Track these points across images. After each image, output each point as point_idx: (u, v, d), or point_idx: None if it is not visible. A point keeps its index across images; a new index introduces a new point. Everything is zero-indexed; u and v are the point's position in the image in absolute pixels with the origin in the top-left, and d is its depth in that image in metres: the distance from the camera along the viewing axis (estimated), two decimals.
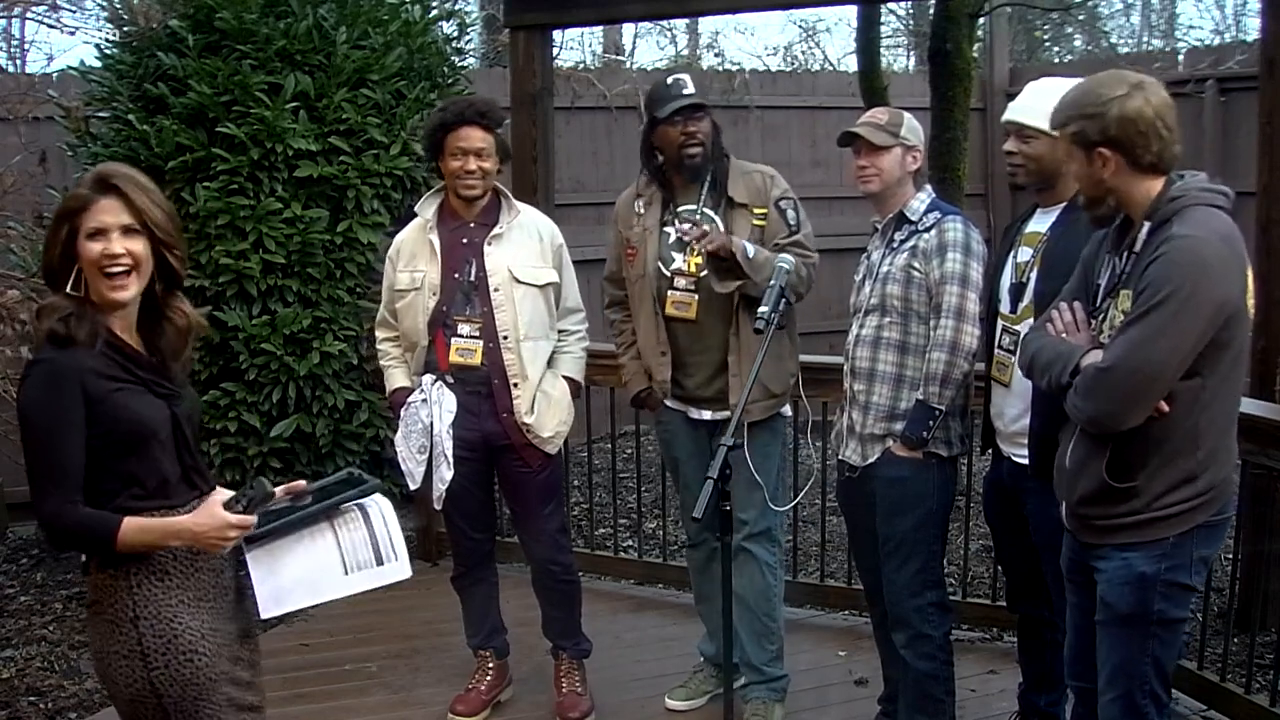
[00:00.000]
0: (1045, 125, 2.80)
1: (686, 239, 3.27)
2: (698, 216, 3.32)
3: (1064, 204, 2.86)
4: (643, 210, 3.44)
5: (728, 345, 3.31)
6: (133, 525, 2.10)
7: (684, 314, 3.34)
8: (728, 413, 3.31)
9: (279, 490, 2.34)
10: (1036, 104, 2.85)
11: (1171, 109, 2.32)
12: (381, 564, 2.27)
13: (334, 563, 2.24)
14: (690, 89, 3.28)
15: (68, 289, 2.14)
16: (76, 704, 3.88)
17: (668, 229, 3.38)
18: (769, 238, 3.28)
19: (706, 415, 3.41)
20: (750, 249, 3.18)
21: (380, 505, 2.32)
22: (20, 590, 4.89)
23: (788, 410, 3.48)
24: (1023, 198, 3.11)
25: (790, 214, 3.32)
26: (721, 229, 3.30)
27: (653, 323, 3.39)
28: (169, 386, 2.22)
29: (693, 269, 3.31)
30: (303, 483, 2.35)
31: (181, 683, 2.17)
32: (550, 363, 3.47)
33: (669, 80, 3.35)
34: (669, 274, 3.36)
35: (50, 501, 2.09)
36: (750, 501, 3.31)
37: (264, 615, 2.25)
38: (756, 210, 3.31)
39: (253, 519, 2.16)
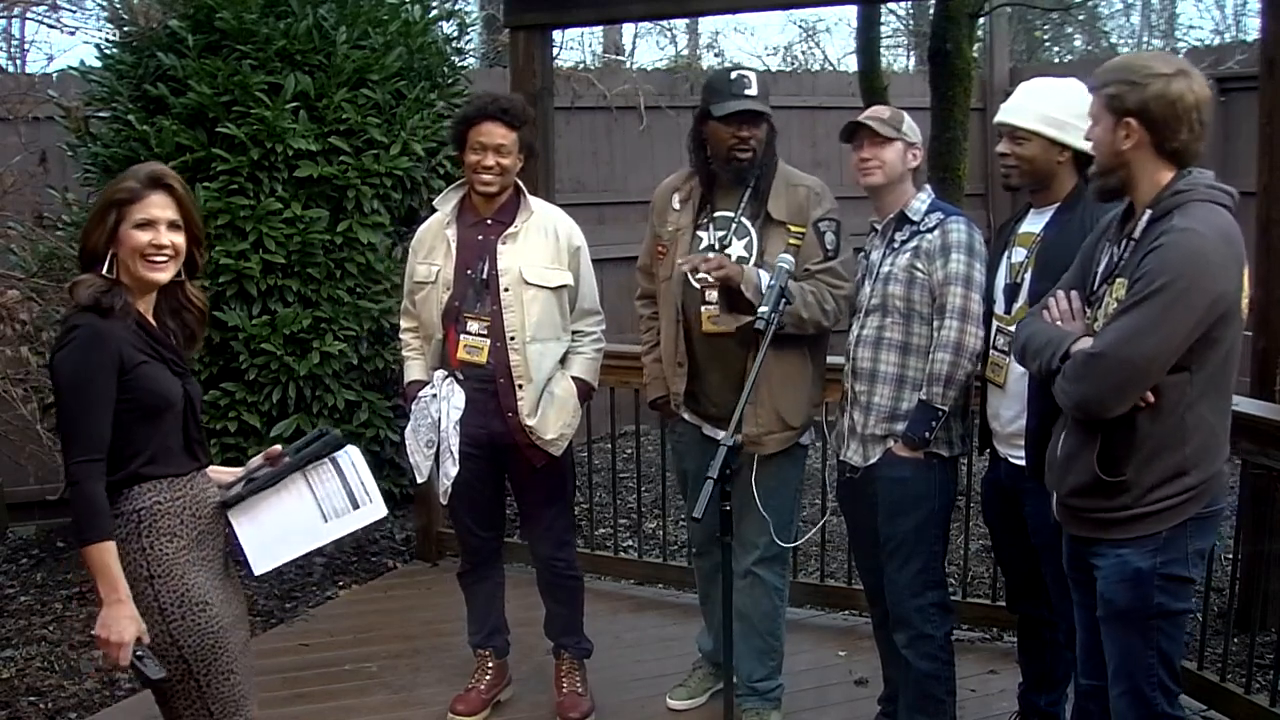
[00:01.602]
0: (1037, 126, 2.81)
1: (697, 276, 3.13)
2: (714, 247, 3.20)
3: (1058, 204, 2.85)
4: (679, 207, 3.32)
5: (747, 368, 3.13)
6: (109, 553, 2.24)
7: (721, 327, 3.18)
8: (741, 436, 3.18)
9: (258, 458, 2.52)
10: (1028, 105, 2.85)
11: (1210, 105, 2.31)
12: (358, 508, 2.45)
13: (313, 513, 2.44)
14: (753, 90, 3.11)
15: (104, 271, 2.31)
16: (76, 704, 3.88)
17: (700, 233, 3.27)
18: (803, 260, 3.14)
19: (721, 435, 3.30)
20: (765, 282, 3.03)
21: (350, 455, 2.49)
22: (20, 590, 4.89)
23: (807, 439, 3.36)
24: (1021, 198, 3.10)
25: (829, 237, 3.17)
26: (755, 240, 3.18)
27: (673, 330, 3.31)
28: (183, 365, 2.40)
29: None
30: (278, 448, 2.52)
31: (198, 632, 2.35)
32: (563, 362, 3.45)
33: (732, 75, 3.17)
34: (696, 284, 3.21)
35: (79, 458, 2.23)
36: (764, 527, 3.26)
37: (257, 572, 2.44)
38: (794, 229, 3.17)
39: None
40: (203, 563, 2.39)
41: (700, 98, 3.26)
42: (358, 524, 2.47)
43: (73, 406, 2.24)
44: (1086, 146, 2.70)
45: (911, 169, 3.06)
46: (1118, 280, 2.34)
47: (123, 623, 2.23)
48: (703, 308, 3.23)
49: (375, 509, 2.48)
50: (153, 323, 2.39)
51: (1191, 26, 16.92)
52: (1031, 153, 2.84)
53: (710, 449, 3.32)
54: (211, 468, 2.54)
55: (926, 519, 3.05)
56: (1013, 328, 2.87)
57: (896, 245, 3.05)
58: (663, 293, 3.35)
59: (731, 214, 3.24)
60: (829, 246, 3.18)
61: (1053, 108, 2.80)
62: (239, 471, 2.55)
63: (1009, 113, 2.88)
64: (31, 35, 8.90)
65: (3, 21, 6.98)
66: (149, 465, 2.32)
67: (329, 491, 2.45)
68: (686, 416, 3.41)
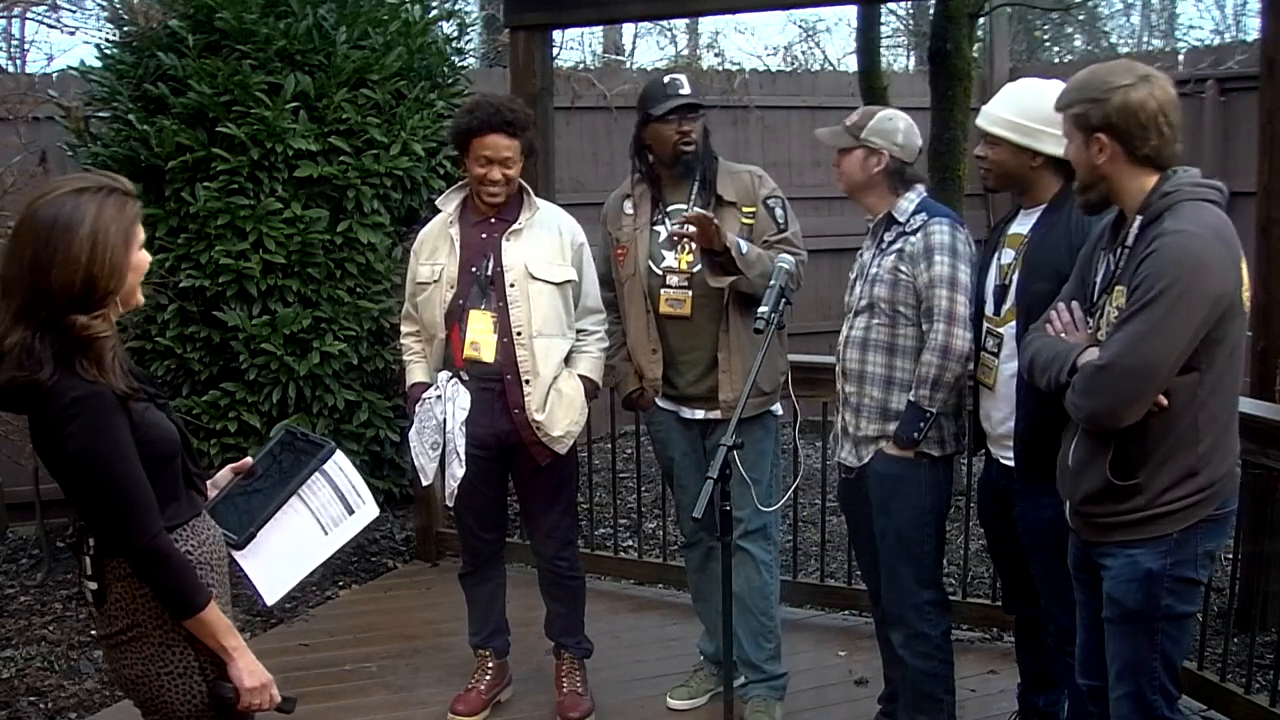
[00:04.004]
0: (1003, 132, 2.80)
1: (679, 234, 3.24)
2: (688, 211, 3.32)
3: (1044, 206, 2.84)
4: (631, 210, 3.45)
5: (718, 342, 3.33)
6: (216, 608, 2.10)
7: (679, 311, 3.35)
8: (719, 412, 3.34)
9: (225, 471, 2.39)
10: (998, 110, 2.85)
11: (1176, 106, 2.33)
12: (352, 513, 2.37)
13: (313, 529, 2.34)
14: (686, 89, 3.29)
15: (115, 310, 2.04)
16: (76, 704, 3.88)
17: (658, 227, 3.39)
18: (757, 235, 3.31)
19: (699, 414, 3.43)
20: (744, 245, 3.20)
21: (337, 460, 2.39)
22: (20, 590, 4.89)
23: (778, 408, 3.48)
24: (1010, 200, 3.10)
25: (778, 212, 3.35)
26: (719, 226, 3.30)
27: (643, 321, 3.40)
28: (164, 396, 2.20)
29: (684, 266, 3.33)
30: (249, 460, 2.39)
31: (227, 699, 2.18)
32: (568, 361, 3.46)
33: (665, 79, 3.36)
34: (660, 272, 3.37)
35: (154, 531, 2.03)
36: (744, 500, 3.29)
37: (270, 602, 2.35)
38: (745, 209, 3.33)
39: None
40: (225, 608, 2.20)
41: (638, 109, 3.40)
42: (356, 529, 2.39)
43: (120, 483, 1.99)
44: (1057, 152, 2.71)
45: (877, 173, 3.04)
46: (1116, 289, 2.34)
47: (259, 665, 2.15)
48: (662, 291, 3.36)
49: (369, 510, 2.40)
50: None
51: (1191, 26, 16.92)
52: (1001, 157, 2.84)
53: (690, 430, 3.47)
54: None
55: (919, 518, 3.05)
56: (1002, 329, 2.87)
57: (884, 246, 3.06)
58: (629, 289, 3.45)
59: (684, 206, 3.36)
60: (779, 220, 3.35)
61: (1022, 113, 2.79)
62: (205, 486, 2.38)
63: (981, 116, 2.88)
64: (31, 35, 8.93)
65: (3, 21, 6.99)
66: (170, 515, 2.11)
67: (323, 502, 2.36)
68: (663, 403, 3.48)
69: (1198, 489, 2.33)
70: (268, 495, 2.33)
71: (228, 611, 2.22)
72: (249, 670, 2.14)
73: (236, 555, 2.29)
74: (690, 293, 3.33)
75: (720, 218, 3.31)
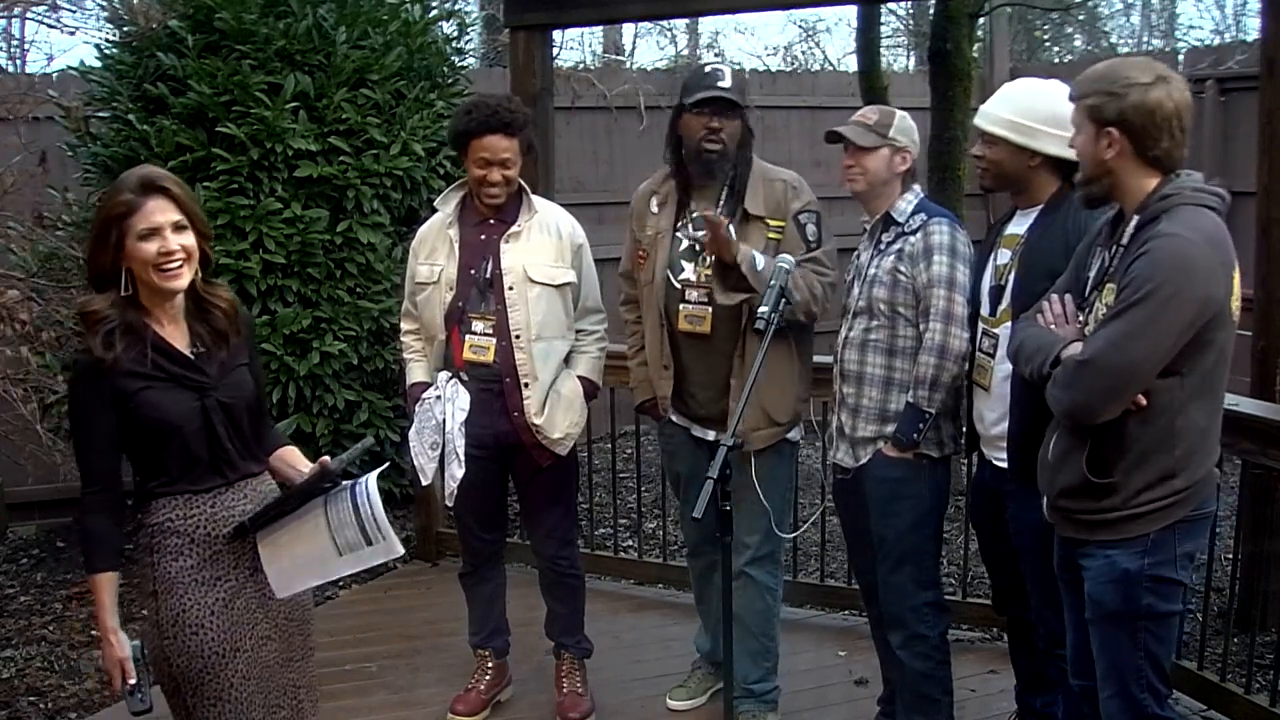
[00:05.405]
0: (1002, 131, 2.80)
1: (692, 237, 3.16)
2: (694, 248, 3.21)
3: (1040, 206, 2.84)
4: (657, 210, 3.33)
5: (733, 367, 3.19)
6: (101, 586, 2.30)
7: (698, 328, 3.21)
8: (733, 439, 3.24)
9: (316, 463, 2.42)
10: (996, 109, 2.84)
11: (1190, 110, 2.32)
12: (370, 544, 2.35)
13: (328, 543, 2.36)
14: (726, 82, 3.12)
15: (121, 291, 2.29)
16: (76, 704, 3.88)
17: (680, 234, 3.27)
18: (784, 252, 3.10)
19: (710, 435, 3.31)
20: (760, 261, 3.05)
21: (366, 486, 2.38)
22: (20, 590, 4.89)
23: (796, 435, 3.37)
24: (1005, 200, 3.08)
25: (810, 229, 3.17)
26: (734, 238, 3.17)
27: (657, 335, 3.31)
28: (200, 379, 2.35)
29: (703, 279, 3.20)
30: (328, 458, 2.41)
31: (189, 654, 2.33)
32: (567, 362, 3.45)
33: (707, 68, 3.20)
34: (678, 285, 3.24)
35: (83, 490, 2.33)
36: (755, 526, 3.26)
37: (279, 595, 2.40)
38: (773, 223, 3.17)
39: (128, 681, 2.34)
40: (213, 583, 2.37)
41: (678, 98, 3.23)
42: (371, 561, 2.37)
43: (76, 440, 2.31)
44: (1055, 152, 2.71)
45: (900, 172, 3.02)
46: (1107, 286, 2.35)
47: (109, 654, 2.30)
48: (680, 306, 3.24)
49: (388, 546, 2.34)
50: (174, 336, 2.34)
51: (1191, 26, 16.97)
52: (999, 156, 2.82)
53: (700, 450, 3.36)
54: (286, 451, 2.54)
55: (918, 519, 3.04)
56: (997, 330, 2.86)
57: (883, 247, 3.04)
58: (645, 297, 3.35)
59: (710, 214, 3.22)
60: (810, 238, 3.18)
61: (1020, 113, 2.78)
62: (304, 470, 2.46)
63: (980, 115, 2.87)
64: (31, 35, 8.93)
65: (3, 21, 6.99)
66: (163, 486, 2.35)
67: (342, 522, 2.34)
68: (674, 418, 3.41)
69: (1173, 491, 2.33)
70: (302, 493, 2.38)
71: (228, 587, 2.38)
72: (105, 651, 2.33)
73: (258, 539, 2.39)
74: (710, 309, 3.18)
75: (744, 233, 3.16)
